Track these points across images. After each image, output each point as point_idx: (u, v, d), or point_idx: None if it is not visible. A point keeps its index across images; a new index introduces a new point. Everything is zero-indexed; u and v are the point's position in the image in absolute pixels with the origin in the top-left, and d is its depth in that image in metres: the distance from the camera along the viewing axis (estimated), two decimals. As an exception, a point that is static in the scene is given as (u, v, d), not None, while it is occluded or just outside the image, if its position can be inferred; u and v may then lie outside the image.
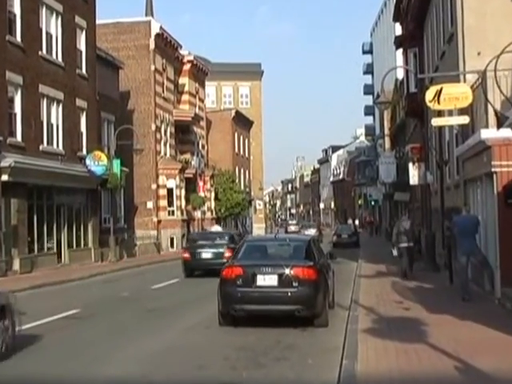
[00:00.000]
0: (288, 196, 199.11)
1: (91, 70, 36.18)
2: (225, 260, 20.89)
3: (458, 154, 21.33)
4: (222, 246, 26.04)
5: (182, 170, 51.01)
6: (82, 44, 35.31)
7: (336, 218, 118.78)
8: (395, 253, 23.81)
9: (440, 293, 18.06)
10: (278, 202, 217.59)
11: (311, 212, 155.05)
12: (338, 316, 14.87)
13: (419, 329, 12.19)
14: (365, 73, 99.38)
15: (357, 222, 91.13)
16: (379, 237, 66.47)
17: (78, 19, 34.72)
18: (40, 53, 30.79)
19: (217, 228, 41.93)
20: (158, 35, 49.14)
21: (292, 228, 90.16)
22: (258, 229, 79.36)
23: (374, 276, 23.55)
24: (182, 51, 56.41)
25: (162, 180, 49.31)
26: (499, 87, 14.57)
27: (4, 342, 10.91)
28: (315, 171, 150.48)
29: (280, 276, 13.07)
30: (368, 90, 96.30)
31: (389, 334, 11.72)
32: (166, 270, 30.69)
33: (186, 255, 26.47)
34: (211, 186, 60.54)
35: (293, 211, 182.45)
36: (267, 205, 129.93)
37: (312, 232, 57.90)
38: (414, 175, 30.24)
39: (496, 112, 14.65)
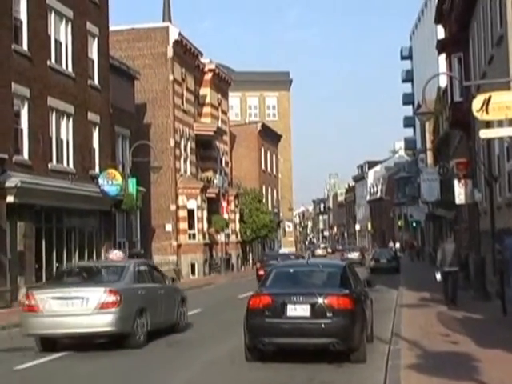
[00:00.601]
0: (320, 217, 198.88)
1: (104, 80, 36.48)
2: None
3: (510, 169, 21.12)
4: None
5: (203, 190, 51.15)
6: (93, 52, 35.64)
7: (373, 241, 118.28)
8: (439, 277, 24.02)
9: (492, 324, 17.81)
10: (310, 224, 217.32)
11: (346, 234, 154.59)
12: (377, 350, 14.70)
13: (469, 365, 12.00)
14: (404, 80, 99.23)
15: (398, 245, 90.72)
16: (422, 261, 66.00)
17: (89, 25, 35.08)
18: (48, 62, 31.09)
19: (284, 250, 61.23)
20: (176, 42, 49.49)
21: (319, 252, 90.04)
22: (288, 253, 79.22)
23: (416, 305, 23.32)
24: (203, 59, 56.74)
25: (181, 200, 49.46)
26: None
27: (183, 321, 19.18)
28: (350, 189, 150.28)
29: (313, 306, 12.99)
30: (407, 99, 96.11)
31: (435, 370, 11.54)
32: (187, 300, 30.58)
33: (262, 272, 34.31)
34: (236, 206, 60.60)
35: (325, 233, 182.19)
36: (297, 227, 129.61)
37: (355, 255, 65.88)
38: (460, 193, 30.00)
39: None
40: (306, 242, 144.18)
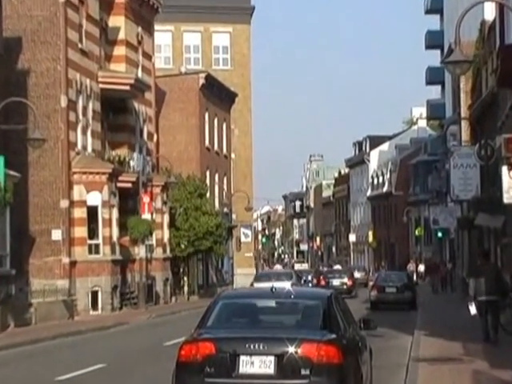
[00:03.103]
0: (295, 221, 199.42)
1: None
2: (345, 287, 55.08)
3: None
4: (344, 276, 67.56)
5: (113, 177, 50.86)
6: None
7: (376, 260, 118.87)
8: (474, 311, 25.30)
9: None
10: (279, 232, 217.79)
11: (334, 249, 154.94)
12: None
13: None
14: (428, 11, 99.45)
15: (422, 267, 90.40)
16: (451, 293, 66.28)
17: None
18: None
19: (338, 267, 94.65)
20: None
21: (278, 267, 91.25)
22: (245, 276, 79.16)
23: (441, 360, 23.48)
24: (115, -29, 56.53)
25: (78, 193, 49.11)
26: None
27: None
28: (341, 180, 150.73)
29: (280, 358, 13.00)
30: (434, 40, 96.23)
31: None
32: (84, 349, 30.48)
33: (323, 283, 63.12)
34: (164, 203, 60.45)
35: (303, 247, 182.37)
36: (260, 236, 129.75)
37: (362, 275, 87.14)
38: (510, 187, 30.21)
39: None
40: (261, 260, 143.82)
